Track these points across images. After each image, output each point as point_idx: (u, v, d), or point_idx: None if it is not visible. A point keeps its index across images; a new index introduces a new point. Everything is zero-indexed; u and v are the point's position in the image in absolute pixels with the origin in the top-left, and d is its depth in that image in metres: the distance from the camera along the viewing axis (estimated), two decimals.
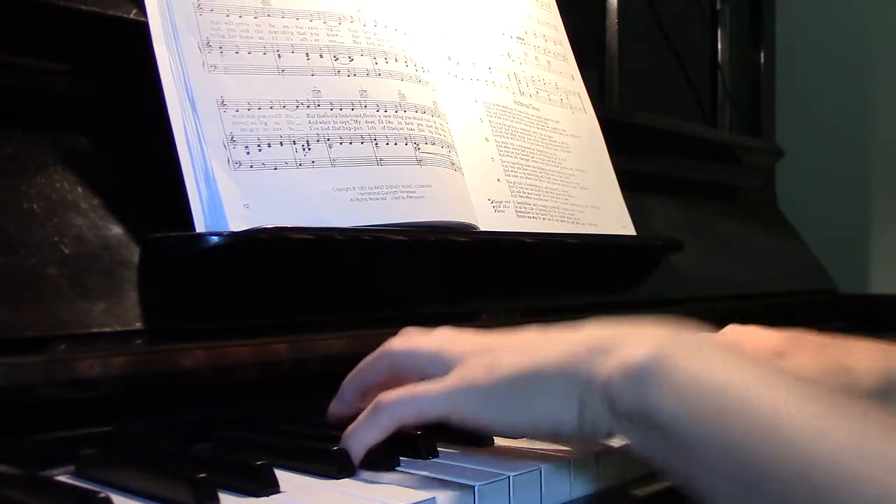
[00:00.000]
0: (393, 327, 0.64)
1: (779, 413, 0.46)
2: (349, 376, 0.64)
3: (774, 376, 0.49)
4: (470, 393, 0.56)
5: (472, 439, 0.63)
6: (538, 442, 0.64)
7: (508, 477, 0.54)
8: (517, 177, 0.89)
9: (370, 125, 0.75)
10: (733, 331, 0.78)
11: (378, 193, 0.73)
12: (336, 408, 0.64)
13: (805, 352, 0.73)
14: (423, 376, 0.59)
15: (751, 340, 0.75)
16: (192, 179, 0.65)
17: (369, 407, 0.58)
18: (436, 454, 0.59)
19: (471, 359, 0.58)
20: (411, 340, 0.62)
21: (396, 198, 0.74)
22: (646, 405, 0.50)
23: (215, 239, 0.64)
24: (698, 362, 0.50)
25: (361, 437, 0.57)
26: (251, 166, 0.67)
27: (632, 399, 0.51)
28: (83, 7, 0.67)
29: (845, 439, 0.44)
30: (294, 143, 0.70)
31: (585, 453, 0.60)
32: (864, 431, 0.44)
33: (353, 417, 0.59)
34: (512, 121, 0.92)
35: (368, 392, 0.62)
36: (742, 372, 0.50)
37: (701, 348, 0.52)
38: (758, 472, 0.45)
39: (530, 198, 0.90)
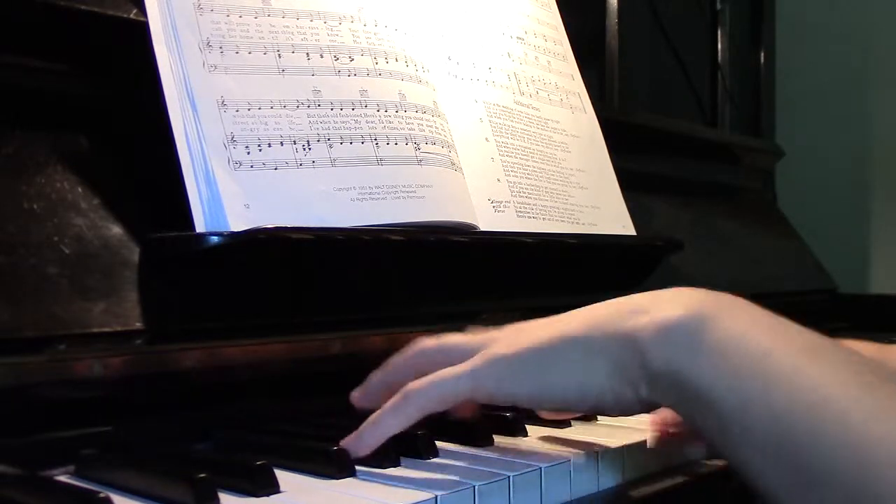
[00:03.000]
0: (393, 327, 0.64)
1: (828, 384, 0.43)
2: (378, 370, 0.62)
3: (822, 344, 0.46)
4: (492, 366, 0.53)
5: (472, 439, 0.63)
6: (540, 443, 0.64)
7: (508, 477, 0.54)
8: (517, 177, 0.89)
9: (370, 125, 0.75)
10: None
11: (378, 193, 0.73)
12: (359, 398, 0.62)
13: None
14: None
15: None
16: (192, 179, 0.65)
17: (397, 395, 0.55)
18: (436, 454, 0.59)
19: (496, 340, 0.56)
20: (443, 337, 0.60)
21: (397, 198, 0.74)
22: (680, 367, 0.47)
23: (215, 239, 0.64)
24: (739, 323, 0.47)
25: (386, 424, 0.55)
26: (251, 166, 0.67)
27: (665, 360, 0.47)
28: (83, 7, 0.67)
29: None
30: (294, 143, 0.70)
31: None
32: None
33: (374, 409, 0.58)
34: (512, 121, 0.92)
35: (395, 387, 0.60)
36: (788, 337, 0.46)
37: (743, 309, 0.48)
38: (804, 446, 0.42)
39: (530, 198, 0.90)
